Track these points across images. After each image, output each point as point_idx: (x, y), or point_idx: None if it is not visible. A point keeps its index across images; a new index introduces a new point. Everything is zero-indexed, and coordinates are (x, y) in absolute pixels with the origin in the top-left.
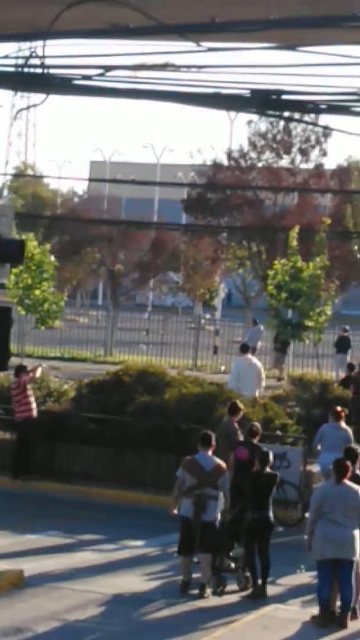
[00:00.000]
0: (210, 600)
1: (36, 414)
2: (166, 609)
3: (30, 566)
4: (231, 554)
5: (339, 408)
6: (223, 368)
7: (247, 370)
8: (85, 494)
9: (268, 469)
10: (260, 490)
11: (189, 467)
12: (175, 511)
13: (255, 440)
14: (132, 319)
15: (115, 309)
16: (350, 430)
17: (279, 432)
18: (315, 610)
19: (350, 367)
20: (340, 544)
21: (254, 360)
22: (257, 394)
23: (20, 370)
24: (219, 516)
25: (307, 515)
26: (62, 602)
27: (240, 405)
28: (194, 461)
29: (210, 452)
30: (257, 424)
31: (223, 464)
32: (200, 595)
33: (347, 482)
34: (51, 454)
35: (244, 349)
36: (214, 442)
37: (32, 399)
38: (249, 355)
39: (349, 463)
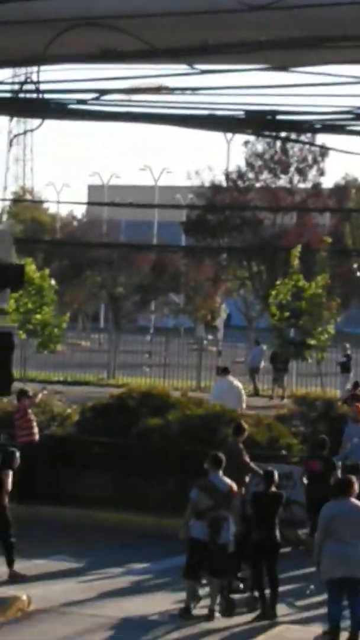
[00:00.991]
0: (220, 622)
1: (37, 438)
2: (175, 632)
3: (38, 591)
4: (239, 574)
5: None
6: None
7: (228, 391)
8: (90, 517)
9: (273, 489)
10: (265, 509)
11: (205, 488)
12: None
13: (325, 452)
14: (134, 341)
15: (117, 331)
16: None
17: (284, 452)
18: (325, 628)
19: (356, 385)
20: (350, 563)
21: (235, 382)
22: None
23: (22, 394)
24: (232, 539)
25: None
26: (71, 627)
27: (245, 425)
28: (209, 482)
29: (221, 473)
30: (324, 437)
31: (235, 485)
32: (209, 618)
33: (354, 500)
34: (56, 478)
35: (224, 371)
36: (223, 463)
37: (34, 424)
38: (230, 377)
39: (353, 479)
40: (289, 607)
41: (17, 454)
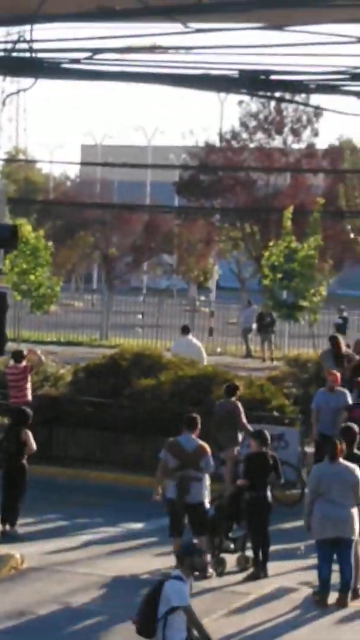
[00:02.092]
0: (212, 581)
1: (31, 399)
2: None
3: (31, 550)
4: (230, 535)
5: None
6: (219, 349)
7: (187, 349)
8: (83, 477)
9: (265, 449)
10: (257, 470)
11: (170, 448)
12: (158, 496)
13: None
14: (127, 302)
15: (110, 292)
16: None
17: (276, 413)
18: (315, 589)
19: (346, 346)
20: (339, 523)
21: (194, 340)
22: None
23: (20, 355)
24: (206, 498)
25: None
26: (64, 585)
27: (238, 385)
28: (175, 443)
29: (194, 435)
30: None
31: (206, 446)
32: (203, 577)
33: (342, 461)
34: (49, 438)
35: (184, 330)
36: (199, 425)
37: (29, 385)
38: (189, 336)
39: (340, 442)
40: (280, 567)
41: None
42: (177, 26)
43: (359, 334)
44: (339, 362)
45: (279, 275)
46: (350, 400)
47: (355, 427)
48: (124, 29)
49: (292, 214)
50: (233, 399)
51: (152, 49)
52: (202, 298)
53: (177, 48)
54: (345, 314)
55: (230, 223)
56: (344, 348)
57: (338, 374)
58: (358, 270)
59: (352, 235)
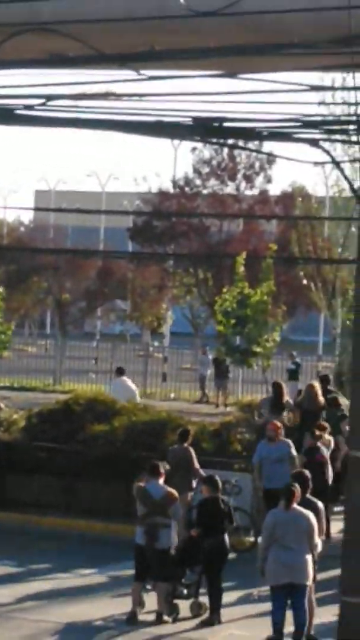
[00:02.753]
0: (166, 628)
1: None
2: (120, 637)
3: None
4: (183, 580)
5: (322, 423)
6: (172, 395)
7: (122, 391)
8: (37, 523)
9: (218, 494)
10: (211, 517)
11: (139, 496)
12: None
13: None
14: (80, 347)
15: (63, 337)
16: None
17: (229, 459)
18: (269, 635)
19: (299, 393)
20: (294, 568)
21: (129, 382)
22: None
23: None
24: (173, 544)
25: (259, 540)
26: (17, 632)
27: (191, 430)
28: (143, 490)
29: (160, 481)
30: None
31: (174, 492)
32: (159, 622)
33: (297, 507)
34: (1, 483)
35: (119, 371)
36: (162, 471)
37: None
38: (124, 378)
39: (296, 488)
40: (233, 613)
41: None
42: (131, 73)
43: (311, 379)
44: (277, 410)
45: (232, 321)
46: (293, 450)
47: (307, 473)
48: (78, 75)
49: (245, 260)
50: (186, 444)
51: (106, 95)
52: (156, 343)
53: (130, 95)
54: (297, 359)
55: (183, 269)
56: (285, 397)
57: (279, 424)
58: (311, 316)
59: (304, 282)
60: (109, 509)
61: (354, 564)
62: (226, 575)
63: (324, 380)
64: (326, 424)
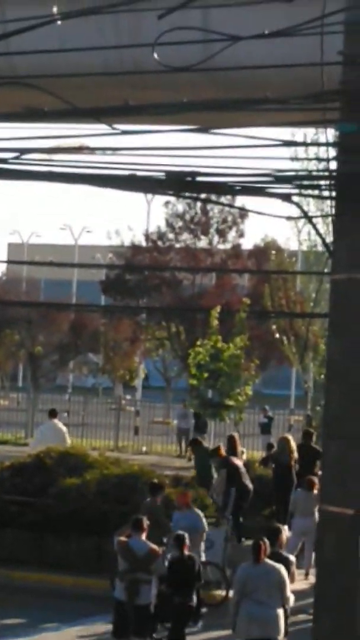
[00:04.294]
0: None
1: None
2: None
3: None
4: (154, 635)
5: (311, 478)
6: (144, 448)
7: (52, 433)
8: (7, 577)
9: (186, 552)
10: (181, 574)
11: (121, 551)
12: None
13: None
14: (52, 400)
15: (36, 391)
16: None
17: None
18: None
19: (269, 446)
20: (265, 623)
21: (59, 424)
22: None
23: None
24: (153, 600)
25: (231, 595)
26: None
27: (161, 484)
28: (126, 545)
29: (143, 536)
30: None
31: (157, 549)
32: None
33: (268, 560)
34: None
35: (52, 413)
36: (145, 526)
37: None
38: (55, 420)
39: (263, 541)
40: None
41: None
42: (105, 127)
43: (284, 433)
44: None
45: (205, 375)
46: (204, 524)
47: (278, 526)
48: (52, 129)
49: (218, 313)
50: (157, 498)
51: (80, 149)
52: (128, 397)
53: (104, 149)
54: (269, 413)
55: (156, 322)
56: (239, 448)
57: (189, 494)
58: (283, 370)
59: (277, 335)
60: (80, 563)
61: (325, 622)
62: (196, 630)
63: (306, 435)
64: (315, 479)
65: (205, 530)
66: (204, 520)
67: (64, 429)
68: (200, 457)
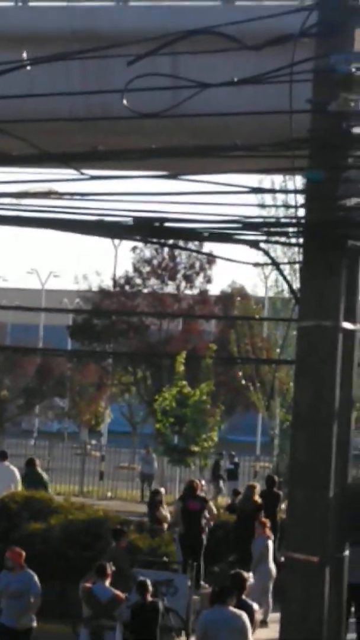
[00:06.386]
0: None
1: None
2: None
3: None
4: None
5: (264, 520)
6: (109, 494)
7: (3, 475)
8: None
9: (149, 598)
10: (143, 621)
11: (85, 597)
12: None
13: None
14: (17, 445)
15: (1, 435)
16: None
17: (165, 558)
18: None
19: (235, 493)
20: None
21: (11, 467)
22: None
23: None
24: None
25: None
26: None
27: (124, 530)
28: (89, 592)
29: (107, 582)
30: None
31: (121, 595)
32: None
33: (230, 607)
34: None
35: (2, 455)
36: (109, 572)
37: None
38: (6, 462)
39: (227, 589)
40: None
41: None
42: (73, 173)
43: (249, 479)
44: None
45: (171, 420)
46: (37, 584)
47: (244, 574)
48: (20, 174)
49: (185, 359)
50: (121, 544)
51: (48, 194)
52: (93, 442)
53: (72, 194)
54: (236, 459)
55: (122, 367)
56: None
57: (18, 551)
58: (249, 416)
59: (243, 382)
60: (44, 608)
61: None
62: None
63: (269, 480)
64: (267, 520)
65: (39, 593)
66: (35, 581)
67: (16, 470)
68: None
